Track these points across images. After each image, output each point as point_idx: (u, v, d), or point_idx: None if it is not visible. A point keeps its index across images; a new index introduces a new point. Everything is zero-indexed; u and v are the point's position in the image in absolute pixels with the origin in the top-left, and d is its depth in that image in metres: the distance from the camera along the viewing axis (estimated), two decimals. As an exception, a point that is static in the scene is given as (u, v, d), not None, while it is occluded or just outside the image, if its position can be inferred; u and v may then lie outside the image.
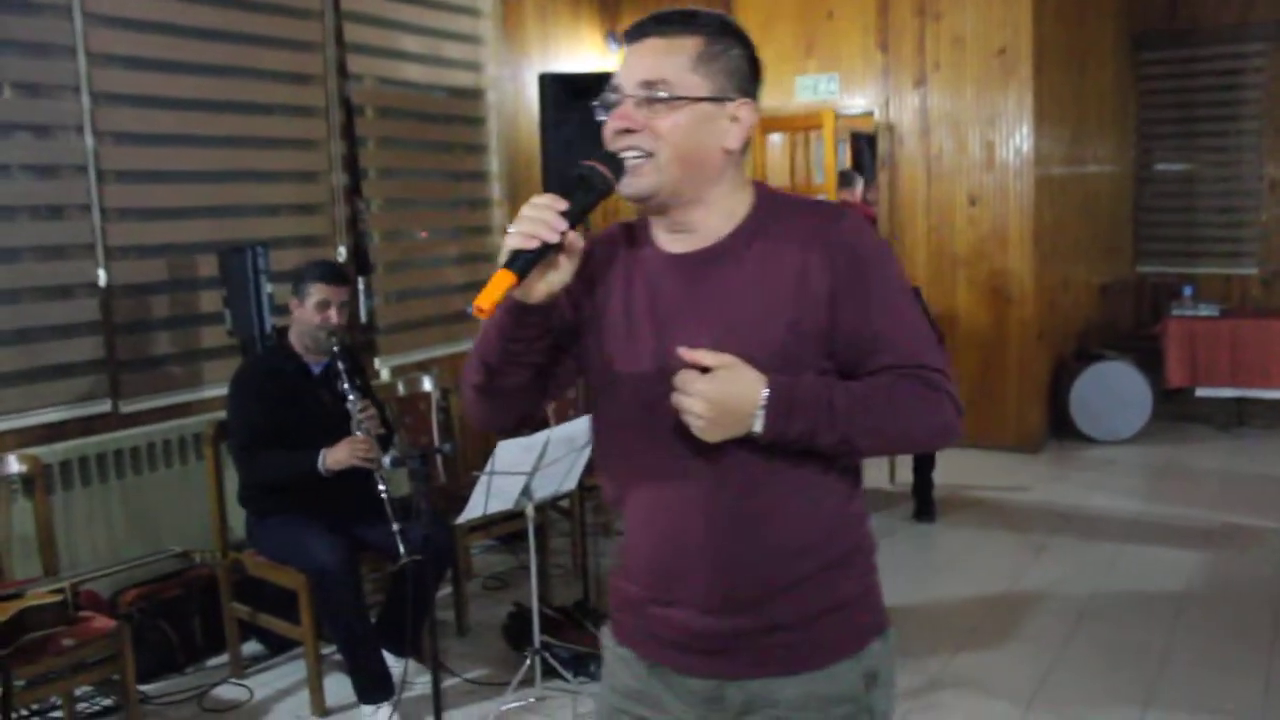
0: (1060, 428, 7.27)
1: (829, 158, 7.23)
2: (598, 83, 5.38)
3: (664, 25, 1.55)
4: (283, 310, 4.14)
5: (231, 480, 3.93)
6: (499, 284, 1.41)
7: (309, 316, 3.72)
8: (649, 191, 1.54)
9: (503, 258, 1.43)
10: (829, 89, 7.33)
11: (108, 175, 4.16)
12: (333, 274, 3.77)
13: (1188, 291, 7.71)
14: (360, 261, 5.11)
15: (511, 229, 1.43)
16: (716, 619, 1.57)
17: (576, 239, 1.48)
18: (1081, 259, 7.81)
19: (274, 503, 3.75)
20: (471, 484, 3.40)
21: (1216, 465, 6.64)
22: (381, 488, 3.57)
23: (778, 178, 7.94)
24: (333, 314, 3.71)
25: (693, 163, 1.54)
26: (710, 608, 1.57)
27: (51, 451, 3.85)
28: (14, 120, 3.98)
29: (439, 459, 4.79)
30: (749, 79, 1.60)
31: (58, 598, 3.15)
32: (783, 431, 1.48)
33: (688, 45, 1.54)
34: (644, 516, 1.62)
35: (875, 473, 6.20)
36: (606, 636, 1.76)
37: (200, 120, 4.54)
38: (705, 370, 1.47)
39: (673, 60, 1.53)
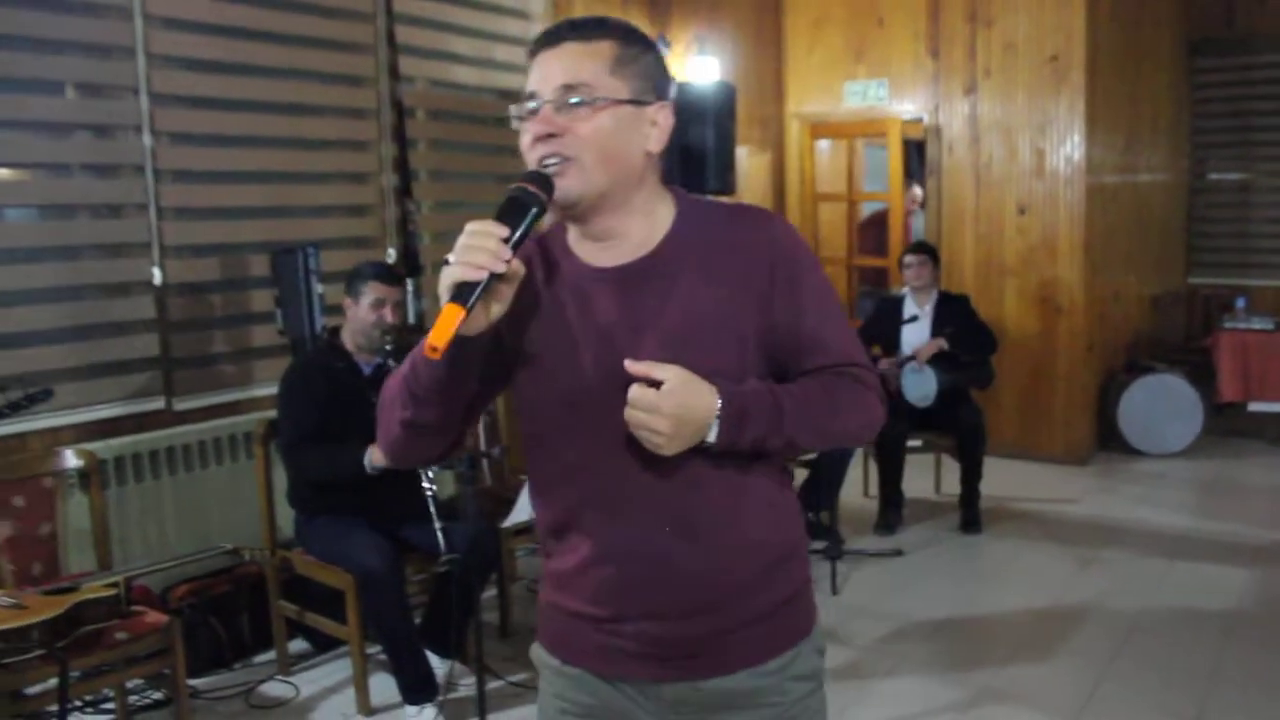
0: (1109, 440, 7.19)
1: (895, 165, 7.21)
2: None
3: (579, 30, 1.53)
4: (333, 310, 4.19)
5: (281, 479, 3.97)
6: (449, 320, 1.37)
7: (364, 315, 3.75)
8: (576, 197, 1.51)
9: (446, 291, 1.38)
10: (878, 95, 7.30)
11: (165, 175, 4.21)
12: (388, 274, 3.82)
13: (1241, 303, 7.59)
14: (410, 263, 5.14)
15: (452, 259, 1.39)
16: (686, 624, 1.59)
17: (519, 266, 1.45)
18: (1132, 269, 7.71)
19: (322, 503, 3.78)
20: (518, 488, 3.42)
21: (1268, 481, 6.53)
22: (427, 486, 3.60)
23: (830, 184, 7.92)
24: (387, 313, 3.75)
25: (617, 166, 1.53)
26: (679, 615, 1.59)
27: (107, 447, 3.91)
28: (76, 120, 4.04)
29: (486, 462, 4.81)
30: (664, 83, 1.59)
31: (112, 592, 3.19)
32: (735, 440, 1.52)
33: (604, 49, 1.53)
34: (602, 537, 1.59)
35: (921, 483, 6.15)
36: (545, 658, 1.73)
37: (254, 121, 4.59)
38: (656, 384, 1.47)
39: (591, 63, 1.51)
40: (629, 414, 1.47)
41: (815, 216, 7.81)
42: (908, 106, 7.19)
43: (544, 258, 1.60)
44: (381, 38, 4.99)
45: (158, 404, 4.17)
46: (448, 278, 1.38)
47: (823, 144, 7.82)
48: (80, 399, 3.95)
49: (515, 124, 1.55)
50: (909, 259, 5.79)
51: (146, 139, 4.13)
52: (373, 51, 4.97)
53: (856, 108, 7.41)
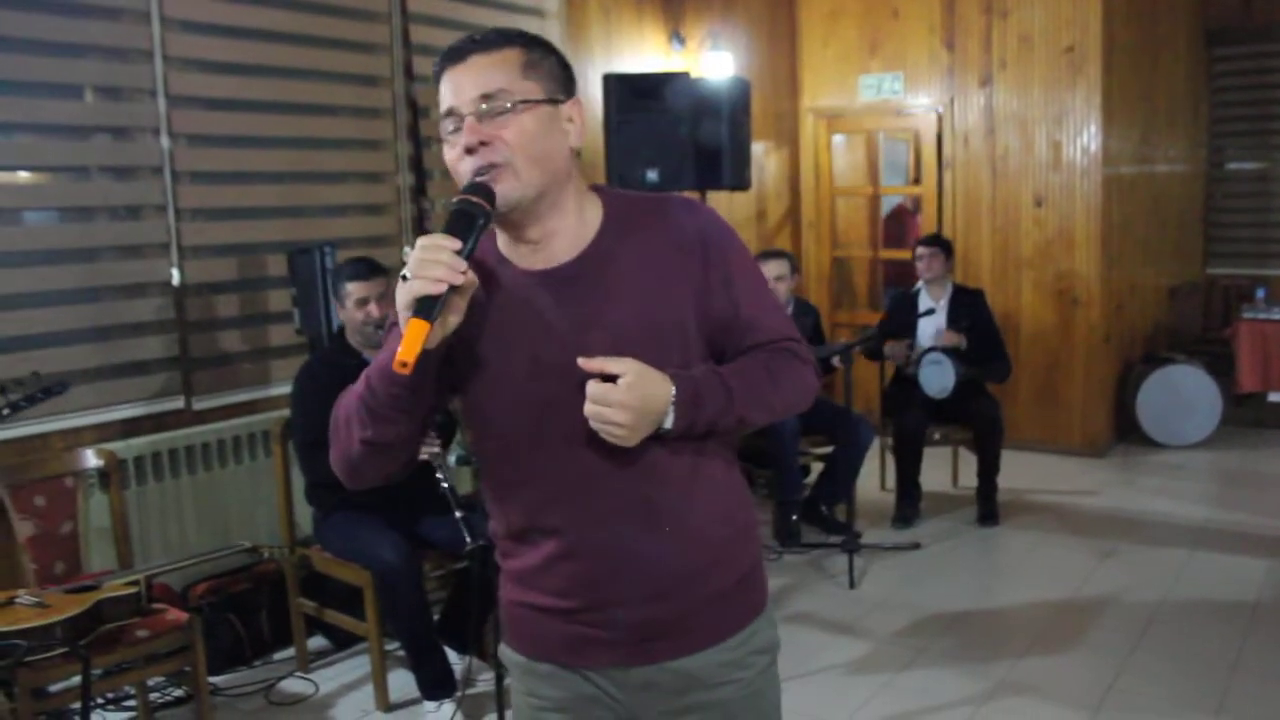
0: (1127, 432, 7.16)
1: (928, 156, 7.17)
2: (662, 83, 5.39)
3: (483, 44, 1.56)
4: (350, 309, 4.21)
5: (298, 477, 3.99)
6: (416, 335, 1.38)
7: (352, 315, 3.80)
8: (515, 200, 1.53)
9: (406, 308, 1.41)
10: (893, 88, 7.28)
11: (182, 176, 4.24)
12: (362, 270, 3.83)
13: (1260, 294, 7.54)
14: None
15: (409, 274, 1.41)
16: (652, 608, 1.64)
17: (473, 277, 1.47)
18: (1150, 261, 7.67)
19: (340, 500, 3.80)
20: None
21: (1289, 472, 6.50)
22: (441, 477, 3.62)
23: (844, 178, 7.90)
24: (373, 309, 3.77)
25: (546, 165, 1.56)
26: (646, 599, 1.63)
27: (127, 447, 3.94)
28: (94, 123, 4.07)
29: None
30: (570, 82, 1.63)
31: (133, 590, 3.22)
32: (692, 423, 1.57)
33: (510, 56, 1.56)
34: (567, 532, 1.62)
35: (939, 475, 6.15)
36: (513, 657, 1.75)
37: (270, 122, 4.62)
38: (610, 379, 1.50)
39: (502, 71, 1.54)
40: (590, 409, 1.50)
41: (833, 211, 7.80)
42: (923, 100, 7.18)
43: (479, 268, 1.58)
44: (396, 37, 5.01)
45: (177, 404, 4.20)
46: (407, 293, 1.40)
47: (838, 138, 7.80)
48: (100, 399, 3.99)
49: (446, 147, 1.57)
50: (920, 250, 5.78)
51: (164, 141, 4.16)
52: (388, 51, 4.99)
53: (872, 101, 7.39)
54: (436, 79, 1.58)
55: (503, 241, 1.64)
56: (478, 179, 1.51)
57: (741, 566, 1.72)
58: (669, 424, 1.55)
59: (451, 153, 1.55)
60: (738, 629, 1.70)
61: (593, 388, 1.50)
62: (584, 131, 1.63)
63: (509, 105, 1.52)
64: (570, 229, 1.61)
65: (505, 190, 1.52)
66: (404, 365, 1.38)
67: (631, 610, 1.63)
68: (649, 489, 1.60)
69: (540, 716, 1.72)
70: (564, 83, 1.60)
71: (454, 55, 1.56)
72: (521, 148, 1.53)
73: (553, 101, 1.57)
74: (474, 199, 1.49)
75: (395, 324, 1.54)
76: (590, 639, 1.65)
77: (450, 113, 1.54)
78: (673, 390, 1.54)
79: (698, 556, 1.65)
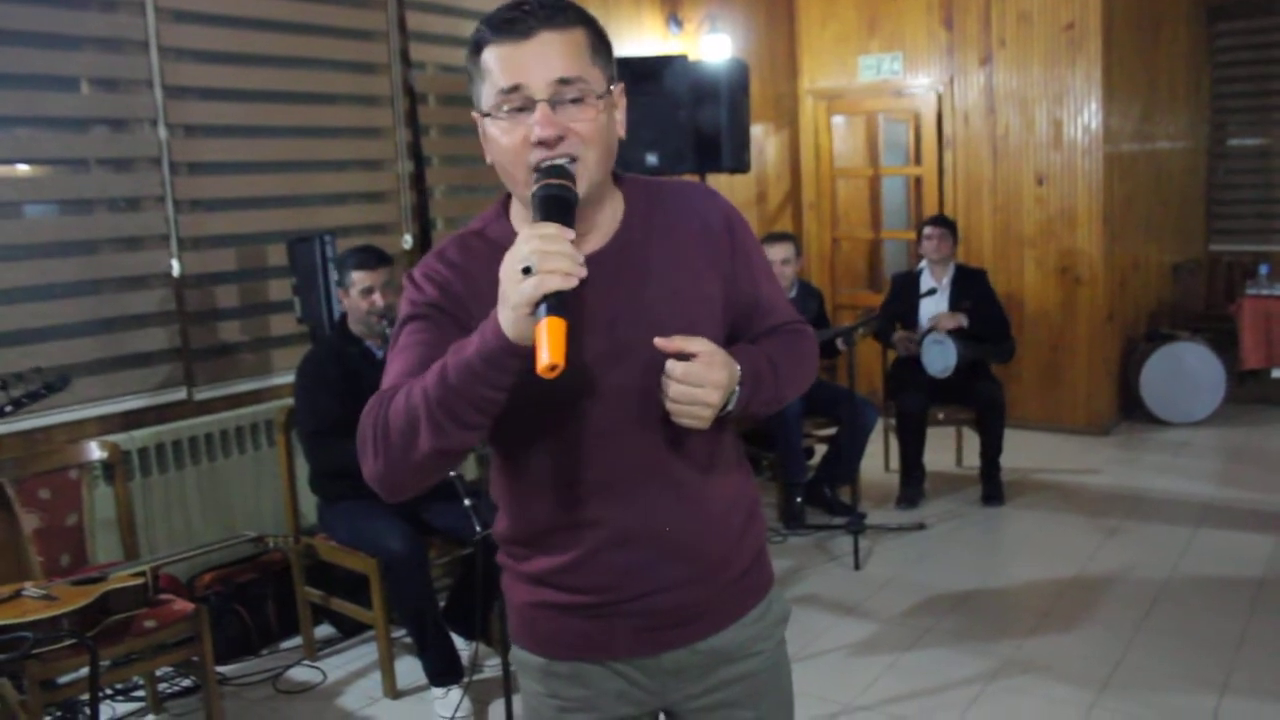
0: (1130, 410, 7.15)
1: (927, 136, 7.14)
2: (660, 66, 5.36)
3: (550, 19, 1.44)
4: (351, 298, 4.21)
5: (302, 466, 4.00)
6: (559, 333, 1.26)
7: (356, 304, 3.80)
8: (583, 195, 1.44)
9: (529, 302, 1.27)
10: (892, 68, 7.25)
11: (180, 167, 4.24)
12: (368, 259, 3.83)
13: (1264, 270, 7.51)
14: (427, 249, 5.16)
15: (543, 268, 1.26)
16: (684, 592, 1.62)
17: (583, 269, 1.32)
18: (1152, 238, 7.65)
19: (344, 488, 3.80)
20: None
21: (1294, 447, 6.50)
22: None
23: (844, 159, 7.88)
24: (377, 298, 3.77)
25: (608, 159, 1.51)
26: (679, 584, 1.61)
27: (130, 439, 3.95)
28: (92, 115, 4.06)
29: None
30: (614, 65, 1.55)
31: (139, 581, 3.23)
32: (750, 402, 1.56)
33: (579, 38, 1.46)
34: (613, 524, 1.56)
35: (943, 456, 6.15)
36: (529, 660, 1.69)
37: (268, 111, 4.61)
38: (684, 358, 1.44)
39: (576, 55, 1.45)
40: (679, 391, 1.44)
41: (833, 193, 7.77)
42: (922, 80, 7.15)
43: (495, 255, 1.44)
44: (393, 24, 4.99)
45: (179, 395, 4.20)
46: (536, 289, 1.26)
47: (838, 119, 7.77)
48: (102, 391, 3.99)
49: (504, 123, 1.45)
50: (929, 230, 5.76)
51: (162, 132, 4.15)
52: (384, 38, 4.98)
53: (871, 81, 7.36)
54: (478, 47, 1.47)
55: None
56: (557, 162, 1.42)
57: (756, 542, 1.73)
58: (733, 404, 1.52)
59: (509, 136, 1.44)
60: (758, 601, 1.71)
61: (686, 368, 1.43)
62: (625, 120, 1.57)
63: (585, 97, 1.44)
64: (608, 217, 1.57)
65: (579, 187, 1.43)
66: (554, 369, 1.25)
67: (670, 596, 1.60)
68: (678, 473, 1.58)
69: (565, 716, 1.67)
70: (613, 64, 1.53)
71: (515, 28, 1.43)
72: (594, 142, 1.46)
73: (610, 92, 1.51)
74: (569, 185, 1.40)
75: (415, 317, 1.51)
76: (621, 630, 1.61)
77: (515, 90, 1.43)
78: (738, 368, 1.52)
79: (725, 536, 1.65)
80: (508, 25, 1.44)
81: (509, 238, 1.42)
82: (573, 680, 1.65)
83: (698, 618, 1.64)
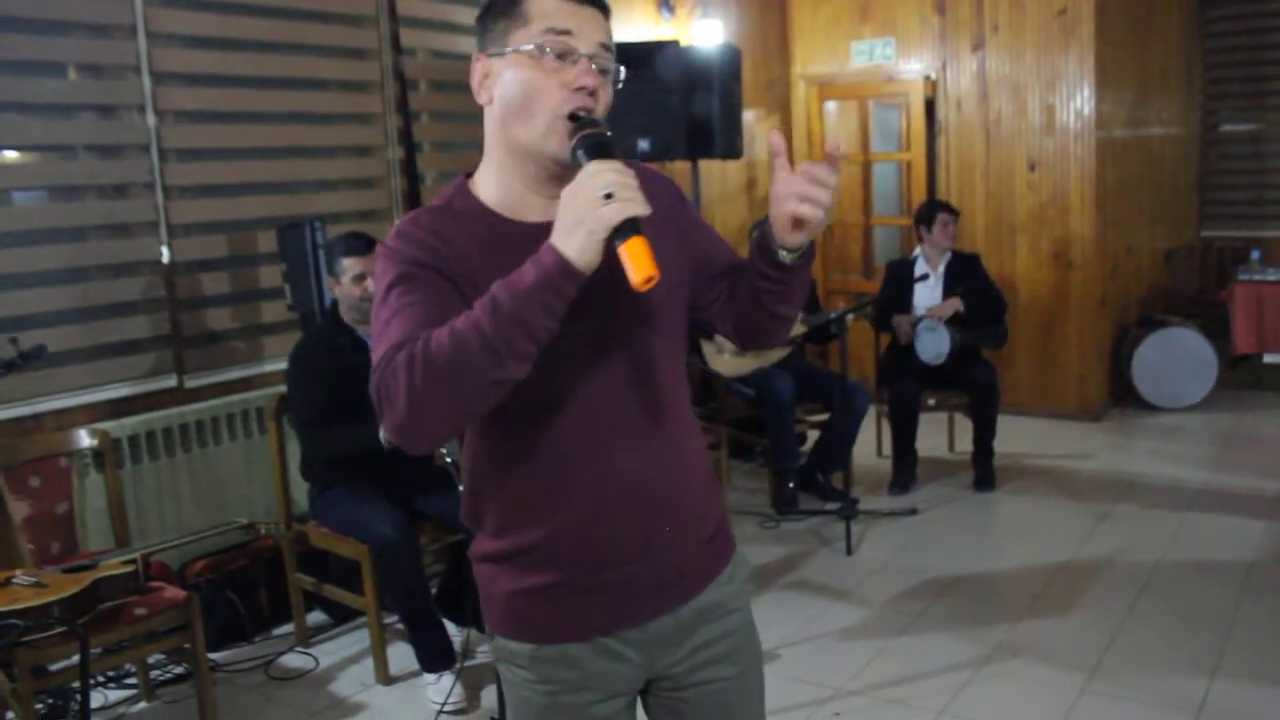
0: (1122, 396, 7.17)
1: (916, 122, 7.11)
2: (651, 52, 5.33)
3: (598, 1, 1.58)
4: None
5: (294, 453, 3.99)
6: (644, 249, 1.35)
7: (348, 291, 3.78)
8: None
9: (608, 226, 1.34)
10: (885, 54, 7.24)
11: (169, 154, 4.22)
12: (358, 245, 3.81)
13: (1255, 255, 7.52)
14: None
15: (623, 195, 1.34)
16: (668, 553, 1.64)
17: None
18: (1145, 224, 7.65)
19: (335, 475, 3.81)
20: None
21: (1285, 432, 6.51)
22: (445, 452, 3.62)
23: (842, 145, 7.84)
24: (369, 284, 3.75)
25: None
26: (665, 544, 1.64)
27: (120, 426, 3.94)
28: (79, 101, 4.04)
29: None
30: None
31: (129, 568, 3.22)
32: (810, 257, 1.63)
33: (608, 24, 1.59)
34: (596, 490, 1.58)
35: (934, 440, 6.16)
36: (514, 648, 1.68)
37: (258, 97, 4.58)
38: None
39: (608, 35, 1.57)
40: (816, 193, 1.45)
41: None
42: (915, 65, 7.13)
43: (485, 223, 1.56)
44: (383, 10, 4.97)
45: (169, 382, 4.19)
46: (619, 214, 1.34)
47: (830, 105, 7.76)
48: (92, 379, 3.97)
49: (523, 52, 1.52)
50: (944, 217, 5.73)
51: (150, 118, 4.13)
52: (374, 24, 4.95)
53: (864, 67, 7.35)
54: None
55: (510, 193, 1.59)
56: (581, 113, 1.50)
57: (719, 502, 1.79)
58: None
59: (545, 74, 1.51)
60: (728, 560, 1.76)
61: (823, 169, 1.46)
62: None
63: (608, 71, 1.56)
64: None
65: None
66: (650, 280, 1.34)
67: (652, 562, 1.63)
68: (660, 431, 1.62)
69: (557, 700, 1.66)
70: None
71: None
72: (602, 112, 1.54)
73: (619, 76, 1.61)
74: (608, 132, 1.48)
75: (404, 278, 1.48)
76: (607, 604, 1.63)
77: (566, 33, 1.50)
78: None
79: (695, 495, 1.69)
80: None
81: (477, 211, 1.56)
82: (561, 663, 1.65)
83: (679, 580, 1.66)
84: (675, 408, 1.65)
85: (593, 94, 1.51)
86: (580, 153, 1.44)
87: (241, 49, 4.50)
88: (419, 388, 1.37)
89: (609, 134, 1.47)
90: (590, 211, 1.34)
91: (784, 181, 1.48)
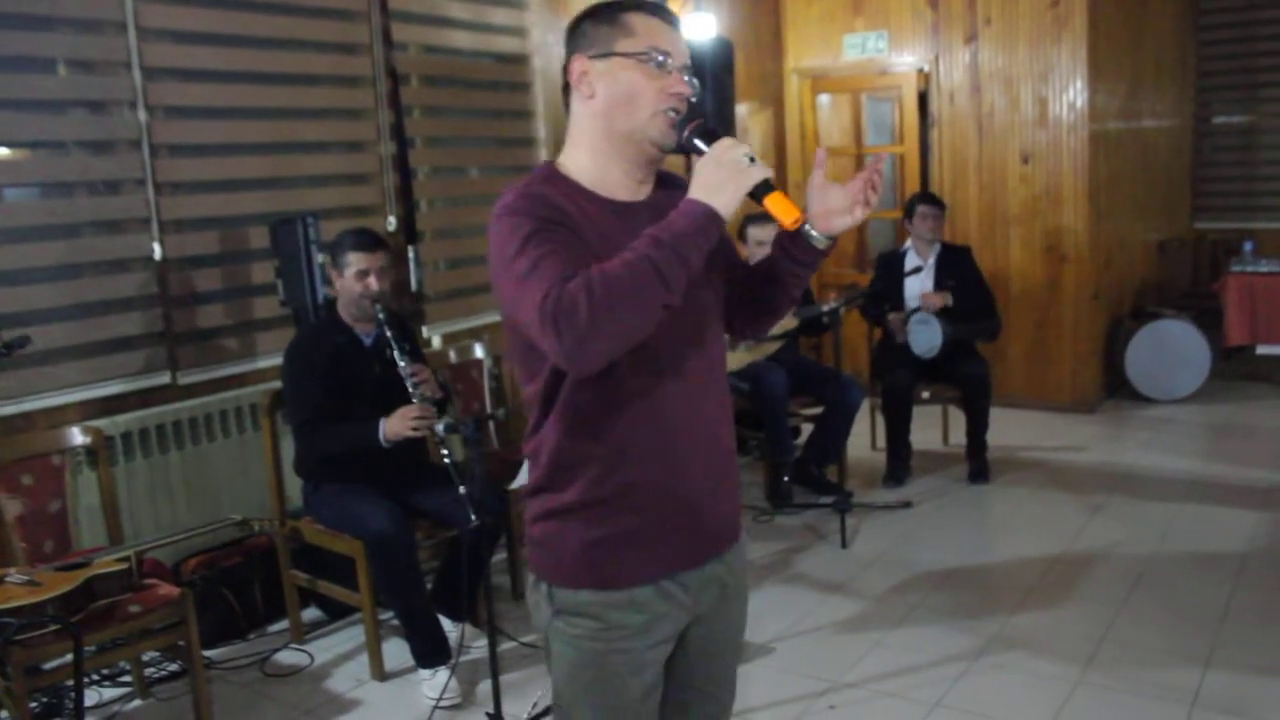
0: (1116, 388, 7.18)
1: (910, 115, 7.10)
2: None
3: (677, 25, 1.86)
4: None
5: (288, 449, 3.99)
6: (785, 199, 1.72)
7: (350, 286, 3.75)
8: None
9: (748, 185, 1.68)
10: (877, 47, 7.23)
11: (160, 149, 4.20)
12: (367, 241, 3.79)
13: (1248, 247, 7.54)
14: (411, 230, 5.13)
15: (759, 161, 1.68)
16: (725, 503, 1.92)
17: None
18: (1138, 216, 7.66)
19: (330, 471, 3.80)
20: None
21: (1277, 423, 6.51)
22: (445, 452, 3.61)
23: (829, 139, 7.86)
24: (372, 281, 3.74)
25: None
26: (724, 495, 1.91)
27: (114, 423, 3.93)
28: (69, 97, 4.02)
29: (491, 425, 4.82)
30: None
31: (123, 566, 3.22)
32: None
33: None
34: (684, 441, 1.82)
35: (929, 434, 6.16)
36: (584, 599, 1.82)
37: (249, 93, 4.56)
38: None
39: (688, 54, 1.86)
40: (873, 198, 1.86)
41: (818, 172, 7.74)
42: (908, 58, 7.13)
43: (585, 197, 1.79)
44: (374, 4, 4.95)
45: (163, 379, 4.18)
46: (762, 174, 1.68)
47: (823, 98, 7.75)
48: (85, 376, 3.96)
49: (636, 69, 1.78)
50: (924, 209, 5.74)
51: (141, 114, 4.11)
52: (366, 18, 4.94)
53: (856, 60, 7.34)
54: (620, 10, 1.79)
55: (605, 174, 1.82)
56: (670, 111, 1.78)
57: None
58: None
59: (652, 80, 1.77)
60: (740, 513, 2.01)
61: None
62: None
63: (694, 85, 1.84)
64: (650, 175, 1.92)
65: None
66: (798, 220, 1.74)
67: (721, 506, 1.89)
68: (720, 391, 1.90)
69: (618, 646, 1.82)
70: None
71: (665, 16, 1.82)
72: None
73: None
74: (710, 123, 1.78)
75: (539, 231, 1.66)
76: (677, 546, 1.83)
77: (668, 54, 1.78)
78: None
79: (734, 449, 1.97)
80: (660, 10, 1.82)
81: (574, 187, 1.79)
82: (630, 608, 1.81)
83: (726, 528, 1.92)
84: (723, 373, 1.93)
85: (682, 99, 1.80)
86: (695, 138, 1.76)
87: (233, 44, 4.48)
88: (603, 307, 1.56)
89: (713, 125, 1.77)
90: (737, 171, 1.66)
91: (844, 192, 1.85)
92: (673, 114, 1.79)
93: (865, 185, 1.83)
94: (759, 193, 1.70)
